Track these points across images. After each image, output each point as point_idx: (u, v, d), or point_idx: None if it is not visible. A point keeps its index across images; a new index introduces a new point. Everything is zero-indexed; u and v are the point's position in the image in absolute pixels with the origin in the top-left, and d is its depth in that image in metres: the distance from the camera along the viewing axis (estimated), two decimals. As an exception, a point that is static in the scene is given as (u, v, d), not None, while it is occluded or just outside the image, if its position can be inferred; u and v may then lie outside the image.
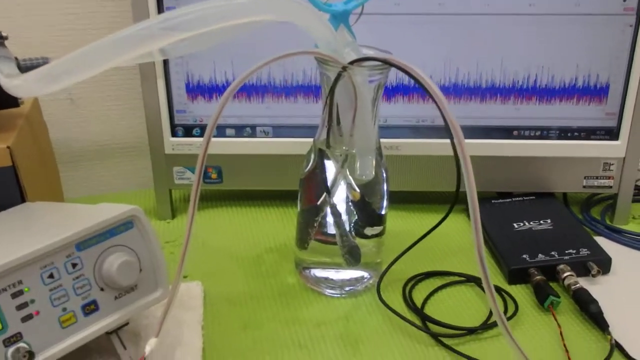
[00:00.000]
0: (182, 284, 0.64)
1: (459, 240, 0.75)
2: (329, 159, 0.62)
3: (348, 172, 0.62)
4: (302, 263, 0.67)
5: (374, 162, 0.61)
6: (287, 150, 0.77)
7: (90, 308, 0.50)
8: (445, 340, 0.59)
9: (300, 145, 0.76)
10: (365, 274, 0.66)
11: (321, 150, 0.62)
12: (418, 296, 0.65)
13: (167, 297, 0.54)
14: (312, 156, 0.63)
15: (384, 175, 0.63)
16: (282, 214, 0.81)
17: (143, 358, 0.51)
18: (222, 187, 0.80)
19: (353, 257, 0.63)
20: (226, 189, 0.86)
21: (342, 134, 0.60)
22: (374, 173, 0.61)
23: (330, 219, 0.63)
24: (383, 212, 0.64)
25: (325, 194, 0.62)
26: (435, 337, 0.59)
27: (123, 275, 0.50)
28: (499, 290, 0.66)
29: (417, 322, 0.61)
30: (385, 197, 0.64)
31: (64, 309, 0.48)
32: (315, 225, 0.64)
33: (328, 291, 0.66)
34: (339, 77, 0.56)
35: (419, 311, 0.62)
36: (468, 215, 0.50)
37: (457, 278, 0.68)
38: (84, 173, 0.89)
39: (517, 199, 0.79)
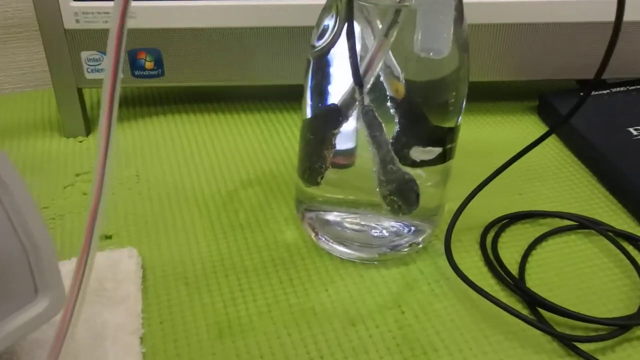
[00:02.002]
0: (104, 252, 0.36)
1: (544, 158, 0.49)
2: (360, 24, 0.33)
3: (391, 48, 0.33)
4: (307, 203, 0.40)
5: (451, 28, 0.32)
6: (266, 21, 0.47)
7: None
8: (582, 346, 0.33)
9: (287, 11, 0.47)
10: (414, 226, 0.39)
11: (350, 3, 0.32)
12: (507, 256, 0.39)
13: (62, 308, 0.27)
14: (332, 16, 0.34)
15: (464, 55, 0.35)
16: (262, 123, 0.53)
17: None
18: (163, 84, 0.50)
19: (405, 200, 0.36)
20: (171, 86, 0.56)
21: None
22: (449, 48, 0.33)
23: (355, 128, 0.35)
24: (459, 121, 0.37)
25: (353, 85, 0.34)
26: (566, 340, 0.33)
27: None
28: (629, 238, 0.40)
29: (521, 308, 0.35)
30: (464, 95, 0.36)
31: None
32: (334, 142, 0.36)
33: (353, 254, 0.39)
34: None
35: (520, 287, 0.36)
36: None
37: (561, 222, 0.42)
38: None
39: (619, 89, 0.53)
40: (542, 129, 0.52)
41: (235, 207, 0.42)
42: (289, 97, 0.55)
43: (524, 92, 0.57)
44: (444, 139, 0.36)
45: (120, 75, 0.24)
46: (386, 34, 0.33)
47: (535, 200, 0.44)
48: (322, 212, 0.39)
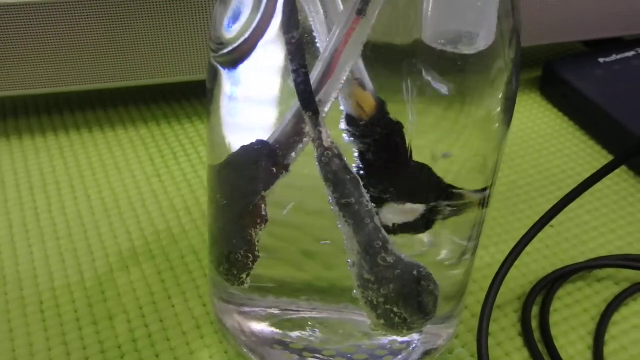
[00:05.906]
0: None
1: (568, 158, 0.34)
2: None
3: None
4: (224, 291, 0.23)
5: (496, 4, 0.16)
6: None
7: None
8: None
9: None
10: (420, 336, 0.23)
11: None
12: (570, 350, 0.24)
13: None
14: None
15: (513, 53, 0.18)
16: (151, 143, 0.35)
17: None
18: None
19: (414, 310, 0.20)
20: None
21: None
22: (492, 37, 0.16)
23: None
24: (496, 171, 0.20)
25: (299, 109, 0.17)
26: None
27: None
28: None
29: None
30: (506, 119, 0.20)
31: None
32: (264, 212, 0.20)
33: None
34: None
35: None
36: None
37: (636, 275, 0.27)
38: None
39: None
40: (547, 110, 0.37)
41: (109, 309, 0.25)
42: (195, 94, 0.37)
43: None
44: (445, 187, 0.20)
45: None
46: (360, 11, 0.16)
47: (578, 234, 0.29)
48: (248, 309, 0.23)
